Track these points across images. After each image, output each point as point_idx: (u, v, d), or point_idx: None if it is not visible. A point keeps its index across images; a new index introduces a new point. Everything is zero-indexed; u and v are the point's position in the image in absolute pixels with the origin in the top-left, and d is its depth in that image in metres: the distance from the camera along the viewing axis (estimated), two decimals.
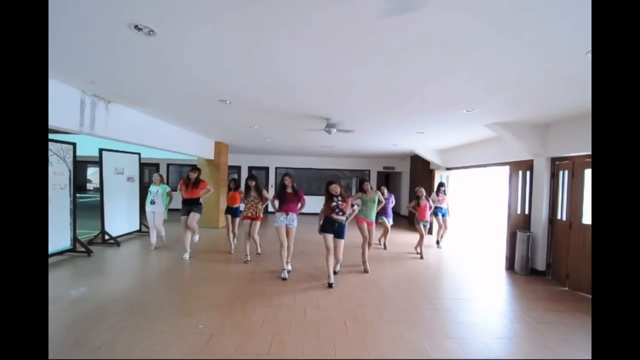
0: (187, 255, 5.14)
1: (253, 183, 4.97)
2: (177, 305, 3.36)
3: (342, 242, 4.08)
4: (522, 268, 4.85)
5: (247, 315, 3.15)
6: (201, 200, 5.32)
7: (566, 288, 4.30)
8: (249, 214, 5.02)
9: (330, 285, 3.99)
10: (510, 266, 5.07)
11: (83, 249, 5.16)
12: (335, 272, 4.17)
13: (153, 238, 5.80)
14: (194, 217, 5.21)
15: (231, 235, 5.75)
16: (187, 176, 5.28)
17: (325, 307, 3.41)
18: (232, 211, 5.74)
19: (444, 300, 3.76)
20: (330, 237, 4.01)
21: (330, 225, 4.02)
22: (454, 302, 3.72)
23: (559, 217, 4.62)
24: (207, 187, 5.46)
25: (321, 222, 4.10)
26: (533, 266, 4.86)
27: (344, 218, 4.05)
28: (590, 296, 3.97)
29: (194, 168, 5.41)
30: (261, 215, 5.12)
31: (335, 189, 4.05)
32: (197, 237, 5.45)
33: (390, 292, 3.96)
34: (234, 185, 5.75)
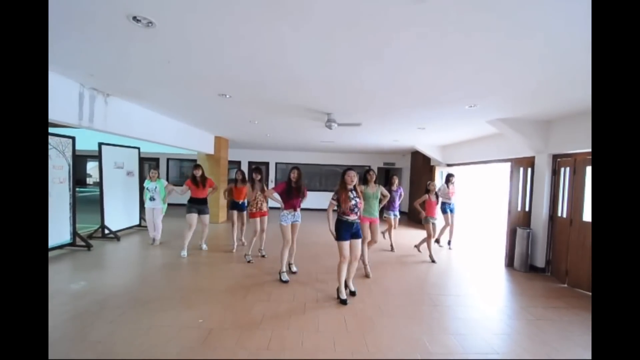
0: (185, 253, 5.01)
1: (258, 177, 4.83)
2: (177, 299, 3.36)
3: (359, 242, 3.54)
4: (522, 265, 4.85)
5: (247, 310, 3.15)
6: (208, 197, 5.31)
7: (565, 285, 4.31)
8: (255, 210, 4.79)
9: (344, 302, 3.37)
10: (509, 263, 5.07)
11: (83, 243, 5.16)
12: (353, 293, 3.63)
13: (152, 233, 5.75)
14: (205, 219, 5.27)
15: (236, 232, 5.56)
16: (192, 175, 5.11)
17: (324, 302, 3.42)
18: (238, 206, 5.48)
19: (443, 296, 3.77)
20: (347, 244, 3.44)
21: (348, 230, 3.43)
22: (454, 298, 3.72)
23: (559, 214, 4.61)
24: (214, 186, 5.41)
25: (333, 227, 3.48)
26: (533, 263, 4.87)
27: (357, 216, 3.51)
28: (590, 293, 3.98)
29: (197, 165, 5.26)
30: (267, 209, 4.97)
31: (352, 178, 3.43)
32: (205, 246, 5.47)
33: (389, 288, 3.96)
34: (241, 177, 5.46)
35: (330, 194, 3.59)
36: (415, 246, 5.82)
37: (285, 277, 4.04)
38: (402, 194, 6.23)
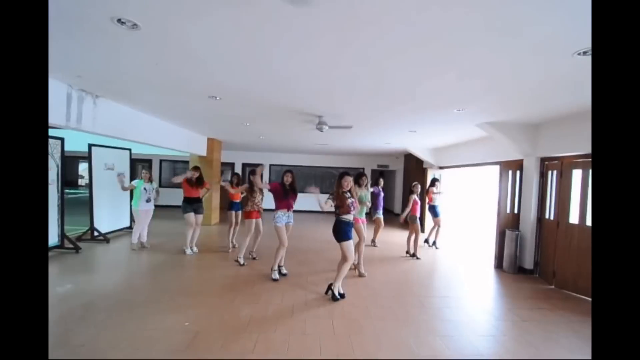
0: (189, 250, 5.28)
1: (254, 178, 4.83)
2: (164, 302, 3.33)
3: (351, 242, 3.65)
4: (511, 266, 4.90)
5: (235, 313, 3.14)
6: (202, 198, 5.48)
7: (552, 286, 4.36)
8: (252, 209, 4.79)
9: (342, 296, 3.59)
10: (499, 265, 5.12)
11: (71, 246, 5.10)
12: (342, 295, 3.62)
13: (136, 238, 5.50)
14: (199, 218, 5.39)
15: (231, 233, 5.71)
16: (189, 175, 5.30)
17: (313, 305, 3.42)
18: (235, 206, 5.70)
19: (432, 298, 3.79)
20: (352, 243, 3.58)
21: (350, 229, 3.55)
22: (442, 300, 3.75)
23: (547, 216, 4.67)
24: (207, 187, 5.58)
25: (335, 226, 3.57)
26: (521, 265, 4.92)
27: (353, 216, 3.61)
28: (575, 294, 4.03)
29: (196, 167, 5.47)
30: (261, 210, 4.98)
31: (349, 182, 3.55)
32: (195, 249, 5.43)
33: (378, 290, 3.97)
34: (236, 180, 5.61)
35: (325, 196, 3.68)
36: (414, 254, 5.69)
37: (275, 275, 4.16)
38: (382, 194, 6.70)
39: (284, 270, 4.36)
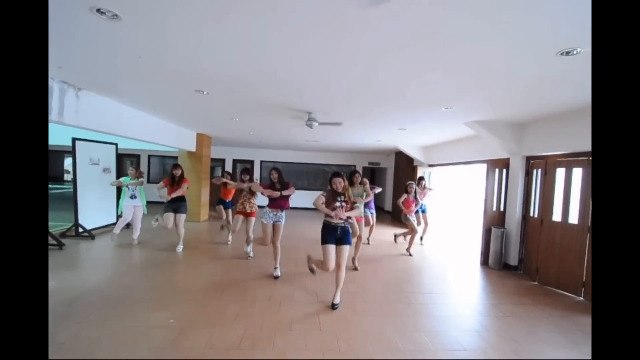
0: (180, 248, 5.23)
1: (247, 177, 4.74)
2: (149, 299, 3.29)
3: (346, 248, 3.33)
4: (496, 263, 5.00)
5: (221, 309, 3.12)
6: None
7: (536, 282, 4.46)
8: (241, 209, 4.80)
9: (333, 307, 3.27)
10: (484, 261, 5.21)
11: (54, 242, 4.98)
12: (334, 306, 3.29)
13: (117, 230, 5.47)
14: (181, 218, 5.17)
15: (231, 223, 5.67)
16: (170, 173, 5.15)
17: (300, 301, 3.42)
18: (224, 203, 5.74)
19: (418, 294, 3.83)
20: (332, 248, 3.28)
21: (332, 234, 3.30)
22: (429, 296, 3.79)
23: (531, 214, 4.77)
24: (188, 183, 5.31)
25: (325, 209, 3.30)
26: (506, 261, 5.01)
27: (346, 220, 3.33)
28: (557, 290, 4.13)
29: (176, 165, 5.27)
30: (256, 210, 4.90)
31: (340, 183, 3.29)
32: (180, 248, 5.27)
33: (366, 286, 4.00)
34: (229, 178, 5.60)
35: (318, 193, 3.64)
36: (395, 235, 5.95)
37: (277, 273, 4.16)
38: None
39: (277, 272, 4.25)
